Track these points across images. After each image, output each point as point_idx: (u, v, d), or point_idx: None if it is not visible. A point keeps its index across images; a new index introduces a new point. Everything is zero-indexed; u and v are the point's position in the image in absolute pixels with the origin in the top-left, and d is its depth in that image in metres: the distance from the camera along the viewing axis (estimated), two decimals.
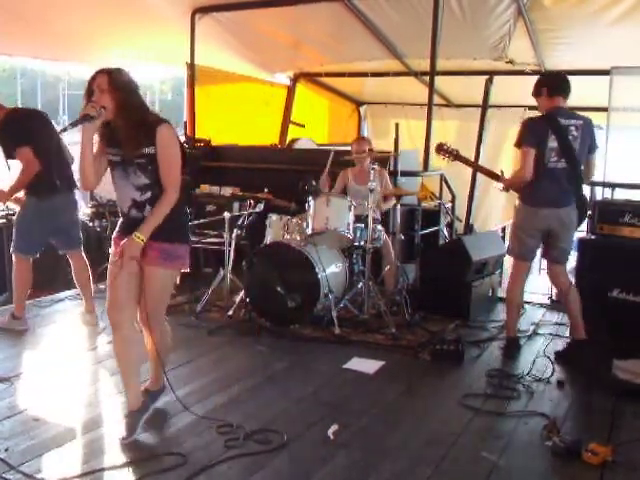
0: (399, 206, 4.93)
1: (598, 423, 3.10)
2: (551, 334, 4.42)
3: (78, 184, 4.25)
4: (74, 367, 3.72)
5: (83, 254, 4.42)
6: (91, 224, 5.91)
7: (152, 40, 6.36)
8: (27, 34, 5.59)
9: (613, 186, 4.82)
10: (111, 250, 2.91)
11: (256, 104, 8.05)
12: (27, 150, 4.04)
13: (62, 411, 3.11)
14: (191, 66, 6.60)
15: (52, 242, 4.37)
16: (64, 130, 2.86)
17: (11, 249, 4.26)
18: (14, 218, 4.37)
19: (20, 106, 4.36)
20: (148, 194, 2.81)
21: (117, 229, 2.95)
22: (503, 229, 6.53)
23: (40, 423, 2.96)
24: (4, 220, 5.27)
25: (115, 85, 2.71)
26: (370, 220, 4.53)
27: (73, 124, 2.71)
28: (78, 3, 5.31)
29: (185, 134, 6.77)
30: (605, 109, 5.81)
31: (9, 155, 4.14)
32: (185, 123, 7.04)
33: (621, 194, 4.77)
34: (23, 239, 4.20)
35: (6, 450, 2.69)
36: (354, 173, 5.21)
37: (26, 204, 4.22)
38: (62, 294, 5.18)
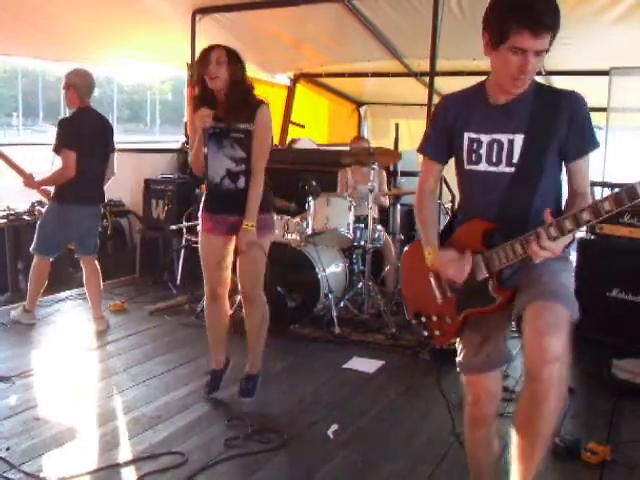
0: (399, 206, 4.95)
1: (597, 423, 3.11)
2: None
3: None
4: (75, 367, 3.73)
5: (96, 262, 4.43)
6: None
7: (152, 40, 6.36)
8: (27, 34, 5.58)
9: (612, 186, 4.82)
10: (199, 228, 3.18)
11: None
12: (72, 155, 4.06)
13: (63, 410, 3.12)
14: (191, 66, 6.60)
15: (70, 245, 4.43)
16: (206, 148, 2.99)
17: (31, 248, 4.32)
18: (38, 220, 4.41)
19: (94, 109, 4.34)
20: (243, 166, 3.02)
21: (204, 205, 3.15)
22: None
23: (41, 422, 2.97)
24: (5, 220, 5.28)
25: (232, 59, 2.96)
26: (370, 220, 4.54)
27: (206, 143, 2.98)
28: (78, 3, 5.31)
29: (185, 134, 6.78)
30: (604, 109, 5.82)
31: (56, 148, 4.12)
32: (185, 123, 7.04)
33: None
34: (43, 241, 4.28)
35: (7, 449, 2.70)
36: (353, 172, 5.22)
37: (49, 208, 4.31)
38: (63, 294, 5.20)
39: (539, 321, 1.75)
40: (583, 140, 1.92)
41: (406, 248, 2.34)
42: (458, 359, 2.13)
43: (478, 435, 2.20)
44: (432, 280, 2.10)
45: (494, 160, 1.96)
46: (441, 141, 2.09)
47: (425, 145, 2.16)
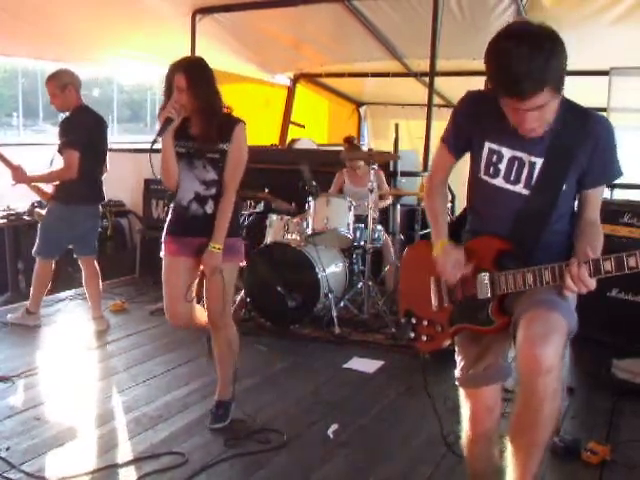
0: (399, 206, 4.95)
1: (597, 422, 3.11)
2: None
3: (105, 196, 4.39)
4: (75, 367, 3.73)
5: (95, 262, 4.42)
6: None
7: (152, 40, 6.36)
8: (27, 34, 5.59)
9: (612, 186, 4.82)
10: (162, 254, 2.92)
11: (256, 104, 8.05)
12: (75, 155, 4.03)
13: (63, 410, 3.13)
14: None
15: (70, 246, 4.42)
16: (154, 142, 2.73)
17: (33, 252, 4.30)
18: (39, 224, 4.37)
19: (90, 107, 4.30)
20: (213, 190, 2.82)
21: (168, 227, 2.94)
22: None
23: (41, 422, 2.97)
24: (5, 220, 5.28)
25: (194, 84, 2.70)
26: (370, 220, 4.54)
27: (160, 133, 2.69)
28: (78, 3, 5.31)
29: None
30: (604, 109, 5.81)
31: (60, 149, 4.10)
32: None
33: (621, 194, 4.77)
34: (46, 244, 4.26)
35: (7, 449, 2.70)
36: (350, 175, 5.22)
37: (51, 210, 4.28)
38: (63, 294, 5.20)
39: (533, 330, 1.69)
40: (602, 171, 1.86)
41: (413, 243, 2.26)
42: (455, 372, 2.06)
43: (477, 451, 2.10)
44: (432, 285, 2.04)
45: (512, 178, 1.87)
46: (460, 137, 1.99)
47: (446, 135, 2.03)
